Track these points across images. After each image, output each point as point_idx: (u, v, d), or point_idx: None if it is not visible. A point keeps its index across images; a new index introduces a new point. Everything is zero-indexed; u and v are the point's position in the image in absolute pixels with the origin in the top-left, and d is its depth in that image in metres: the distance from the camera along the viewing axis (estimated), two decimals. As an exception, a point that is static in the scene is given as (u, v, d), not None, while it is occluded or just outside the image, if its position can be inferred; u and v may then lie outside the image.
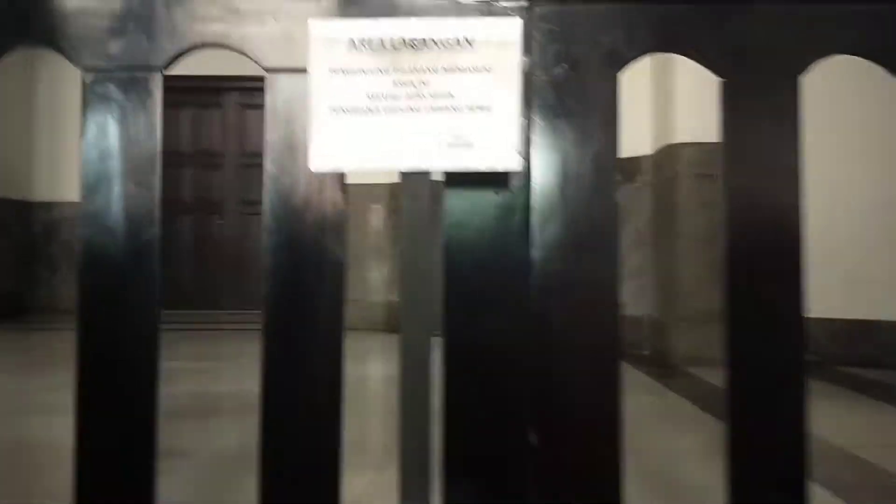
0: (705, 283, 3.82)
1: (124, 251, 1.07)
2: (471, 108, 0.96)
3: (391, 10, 1.05)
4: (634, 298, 4.41)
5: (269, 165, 1.07)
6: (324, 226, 1.07)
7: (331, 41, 0.96)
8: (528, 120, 1.04)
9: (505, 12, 1.06)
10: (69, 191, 6.27)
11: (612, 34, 1.08)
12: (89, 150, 1.08)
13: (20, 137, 7.00)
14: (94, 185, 1.08)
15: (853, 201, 3.78)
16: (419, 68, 0.96)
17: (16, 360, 4.36)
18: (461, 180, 1.03)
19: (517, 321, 1.06)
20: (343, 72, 0.96)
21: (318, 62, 0.96)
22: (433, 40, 0.95)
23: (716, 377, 3.64)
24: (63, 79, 6.71)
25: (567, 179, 1.07)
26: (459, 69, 0.96)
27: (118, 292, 1.08)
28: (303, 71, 1.04)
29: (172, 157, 7.73)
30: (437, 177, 1.06)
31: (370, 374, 3.89)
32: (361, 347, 4.84)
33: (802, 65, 1.08)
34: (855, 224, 3.78)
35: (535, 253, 1.06)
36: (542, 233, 1.06)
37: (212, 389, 3.26)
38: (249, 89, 6.95)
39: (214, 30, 1.08)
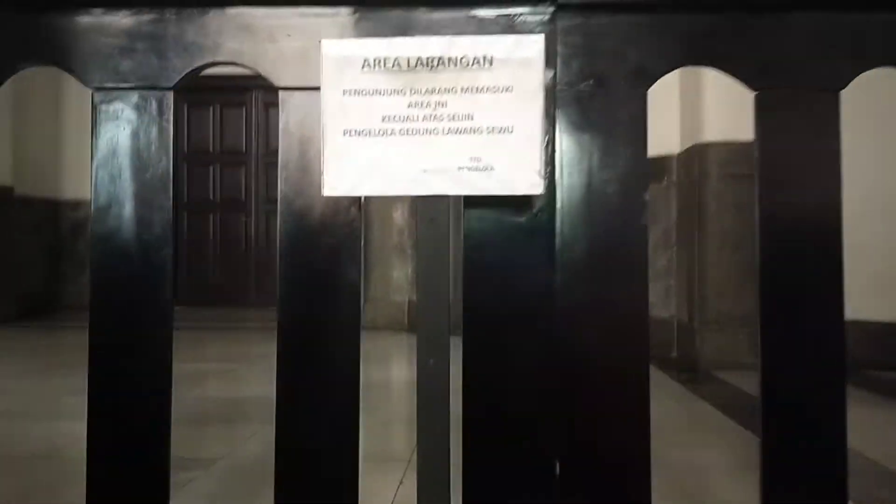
0: (734, 285, 3.75)
1: (135, 274, 1.04)
2: (491, 130, 0.91)
3: (407, 25, 1.01)
4: (661, 300, 4.34)
5: (282, 186, 1.04)
6: (339, 248, 1.03)
7: (344, 61, 0.92)
8: (552, 139, 1.00)
9: (527, 26, 1.01)
10: (96, 190, 6.29)
11: (640, 48, 1.04)
12: (100, 171, 1.05)
13: (49, 135, 7.06)
14: (105, 206, 1.05)
15: (884, 201, 3.68)
16: (436, 89, 0.91)
17: (46, 361, 4.39)
18: (481, 202, 0.99)
19: (540, 348, 1.02)
20: (357, 93, 0.92)
21: (331, 83, 0.92)
22: (451, 59, 0.91)
23: (744, 382, 3.58)
24: (90, 78, 6.71)
25: (593, 201, 1.02)
26: (479, 89, 0.91)
27: (129, 317, 1.05)
28: (317, 89, 1.00)
29: (199, 156, 7.78)
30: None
31: (393, 377, 3.86)
32: (383, 348, 4.82)
33: (842, 78, 1.02)
34: (886, 224, 3.68)
35: (560, 277, 1.02)
36: (567, 256, 1.02)
37: (237, 393, 3.25)
38: (274, 88, 6.91)
39: (227, 47, 1.05)
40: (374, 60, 0.92)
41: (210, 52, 1.05)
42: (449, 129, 0.91)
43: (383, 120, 0.92)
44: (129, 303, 1.05)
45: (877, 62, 1.03)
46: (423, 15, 1.02)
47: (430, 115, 0.91)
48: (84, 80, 1.05)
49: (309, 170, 1.02)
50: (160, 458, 1.05)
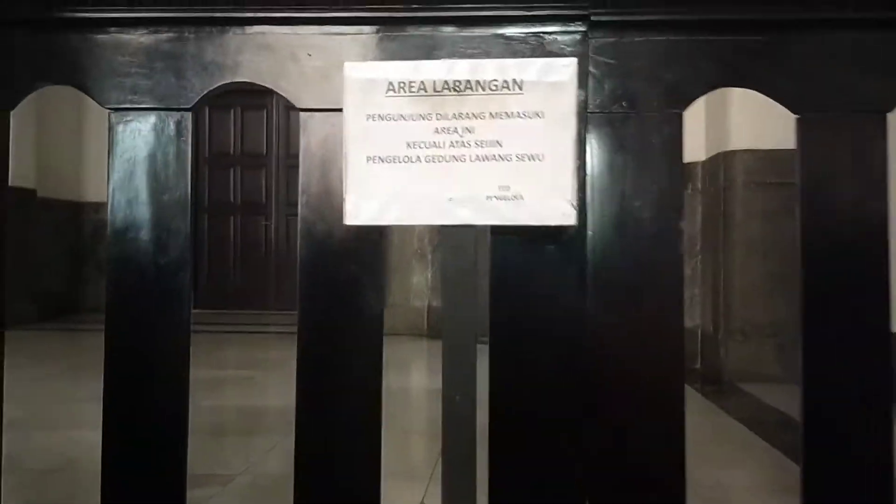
0: (760, 294, 3.68)
1: (152, 299, 1.01)
2: (521, 157, 0.87)
3: (433, 45, 0.97)
4: (685, 309, 4.27)
5: (303, 210, 1.00)
6: (360, 275, 0.99)
7: (368, 84, 0.89)
8: (582, 163, 0.96)
9: (557, 46, 0.97)
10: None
11: (675, 69, 0.99)
12: (116, 194, 1.02)
13: (72, 138, 7.10)
14: (122, 230, 1.02)
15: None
16: (464, 114, 0.87)
17: (64, 364, 4.40)
18: (508, 229, 0.95)
19: (570, 385, 0.98)
20: (381, 117, 0.88)
21: (355, 107, 0.89)
22: (479, 83, 0.87)
23: (768, 395, 3.51)
24: (112, 81, 6.73)
25: (626, 229, 0.98)
26: (508, 114, 0.87)
27: (144, 345, 1.02)
28: (339, 111, 0.97)
29: (220, 159, 7.79)
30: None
31: (412, 385, 3.83)
32: (403, 354, 4.78)
33: (890, 99, 0.97)
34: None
35: (591, 309, 0.97)
36: (599, 287, 0.98)
37: (255, 402, 3.22)
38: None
39: (247, 67, 1.01)
40: (399, 84, 0.88)
41: (229, 72, 1.02)
42: (476, 156, 0.87)
43: (408, 146, 0.88)
44: (145, 328, 1.02)
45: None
46: (449, 34, 0.98)
47: (457, 142, 0.87)
48: (100, 101, 1.02)
49: (330, 193, 0.99)
50: (176, 477, 1.02)
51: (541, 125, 0.87)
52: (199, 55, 1.01)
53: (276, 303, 7.62)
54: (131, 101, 1.02)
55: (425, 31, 0.99)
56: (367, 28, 0.99)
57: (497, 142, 0.87)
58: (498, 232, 0.95)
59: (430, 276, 6.38)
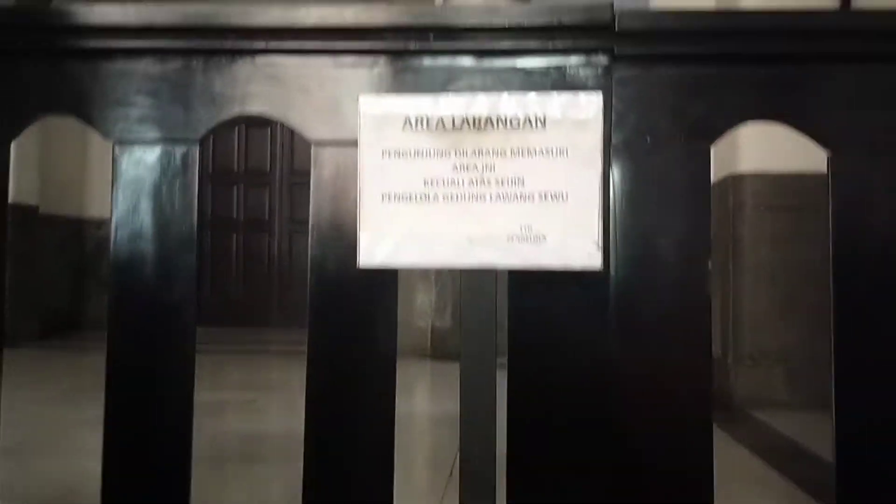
0: (770, 319, 3.63)
1: (155, 339, 0.97)
2: (544, 197, 0.83)
3: (450, 77, 0.94)
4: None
5: (313, 248, 0.96)
6: (373, 316, 0.95)
7: (384, 119, 0.85)
8: (606, 200, 0.92)
9: (580, 79, 0.93)
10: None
11: (701, 103, 0.96)
12: (119, 230, 0.98)
13: (75, 154, 7.07)
14: (124, 267, 0.98)
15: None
16: (484, 150, 0.84)
17: (65, 385, 4.35)
18: (529, 272, 0.90)
19: (593, 433, 0.93)
20: (397, 153, 0.84)
21: (370, 142, 0.85)
22: (500, 118, 0.84)
23: (780, 422, 3.45)
24: (116, 98, 6.72)
25: (650, 270, 0.94)
26: (530, 151, 0.83)
27: (149, 389, 0.98)
28: (352, 144, 0.93)
29: (223, 176, 7.76)
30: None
31: (417, 410, 3.78)
32: (407, 378, 4.73)
33: (924, 137, 0.93)
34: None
35: (615, 352, 0.93)
36: (622, 330, 0.93)
37: (258, 428, 3.16)
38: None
39: (256, 98, 0.98)
40: (417, 119, 0.84)
41: (238, 103, 0.98)
42: (497, 194, 0.83)
43: (426, 183, 0.84)
44: (148, 372, 0.97)
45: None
46: (466, 67, 0.94)
47: (477, 179, 0.83)
48: (104, 132, 0.98)
49: (342, 230, 0.95)
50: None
51: (565, 162, 0.83)
52: (208, 86, 0.98)
53: (279, 319, 7.58)
54: (137, 133, 0.98)
55: (442, 63, 0.95)
56: (381, 59, 0.96)
57: (519, 179, 0.83)
58: (516, 272, 0.91)
59: (434, 296, 6.33)
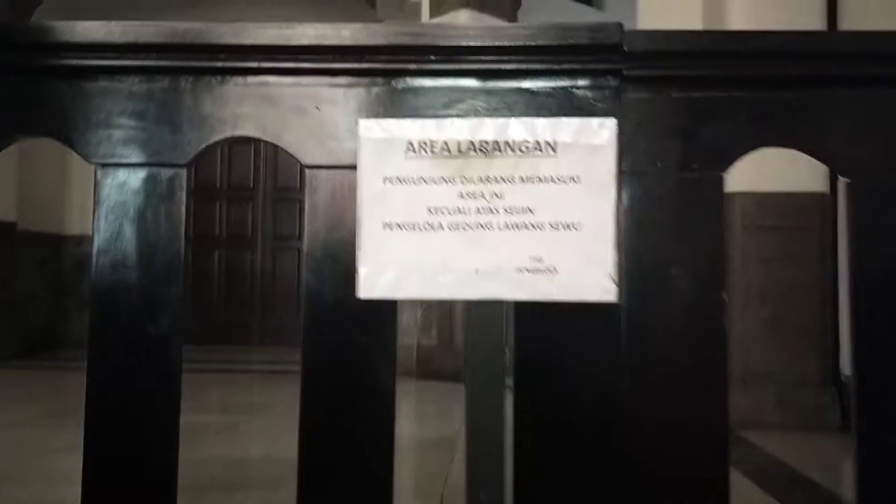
0: (758, 341, 3.60)
1: (139, 377, 0.91)
2: (555, 226, 0.79)
3: (452, 101, 0.89)
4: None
5: (308, 277, 0.91)
6: (371, 348, 0.90)
7: (385, 144, 0.80)
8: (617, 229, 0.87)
9: (588, 102, 0.89)
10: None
11: (714, 127, 0.92)
12: (101, 257, 0.92)
13: (55, 170, 6.97)
14: (106, 296, 0.92)
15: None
16: (491, 177, 0.79)
17: (46, 407, 4.24)
18: (534, 305, 0.86)
19: (605, 473, 0.88)
20: (399, 180, 0.80)
21: (370, 168, 0.80)
22: (508, 144, 0.79)
23: (772, 445, 3.42)
24: (97, 114, 6.63)
25: (662, 300, 0.89)
26: (541, 179, 0.79)
27: (132, 424, 0.92)
28: (349, 168, 0.88)
29: (205, 191, 7.69)
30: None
31: (404, 432, 3.71)
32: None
33: (944, 163, 0.90)
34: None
35: (627, 387, 0.88)
36: (634, 363, 0.89)
37: (239, 453, 3.09)
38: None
39: (248, 120, 0.93)
40: (420, 144, 0.80)
41: (229, 126, 0.93)
42: (506, 223, 0.79)
43: (430, 212, 0.79)
44: (129, 410, 0.91)
45: None
46: (470, 86, 0.90)
47: (484, 208, 0.79)
48: (86, 155, 0.93)
49: (338, 259, 0.90)
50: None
51: (577, 191, 0.78)
52: (197, 107, 0.93)
53: (261, 338, 7.50)
54: (121, 156, 0.93)
55: (444, 84, 0.90)
56: (379, 80, 0.91)
57: (528, 208, 0.79)
58: (522, 303, 0.86)
59: (419, 313, 6.27)
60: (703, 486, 0.89)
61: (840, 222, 3.50)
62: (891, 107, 0.90)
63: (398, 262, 0.80)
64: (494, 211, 0.79)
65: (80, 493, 0.90)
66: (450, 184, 0.79)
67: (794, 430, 3.34)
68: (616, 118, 0.88)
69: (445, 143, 0.80)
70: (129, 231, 0.92)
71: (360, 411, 0.90)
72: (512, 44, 0.90)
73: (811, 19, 3.53)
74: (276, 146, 0.95)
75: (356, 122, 0.89)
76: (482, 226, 0.79)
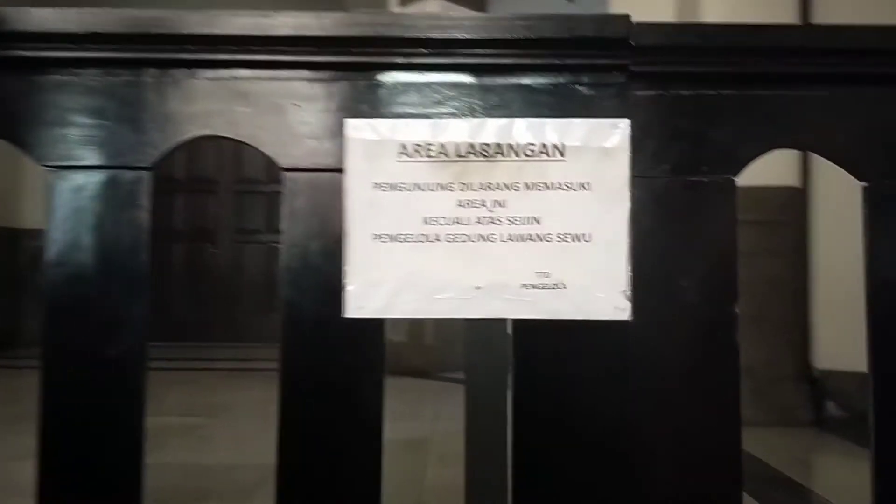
0: (746, 337, 3.58)
1: (98, 409, 0.82)
2: (563, 237, 0.72)
3: (444, 98, 0.81)
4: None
5: (287, 291, 0.83)
6: (357, 371, 0.82)
7: (375, 146, 0.72)
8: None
9: (591, 100, 0.82)
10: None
11: (726, 128, 0.85)
12: (54, 270, 0.83)
13: (7, 159, 6.74)
14: (59, 315, 0.83)
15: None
16: (493, 184, 0.72)
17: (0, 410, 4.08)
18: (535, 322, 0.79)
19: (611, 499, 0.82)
20: (391, 187, 0.72)
21: (359, 174, 0.72)
22: (511, 146, 0.72)
23: (748, 443, 3.39)
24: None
25: (671, 314, 0.83)
26: (548, 185, 0.72)
27: (92, 453, 0.83)
28: (332, 171, 0.80)
29: (164, 183, 7.50)
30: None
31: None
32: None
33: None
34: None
35: (633, 408, 0.82)
36: (640, 382, 0.82)
37: (203, 459, 2.98)
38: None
39: (219, 118, 0.84)
40: (414, 146, 0.72)
41: (197, 124, 0.85)
42: (509, 234, 0.72)
43: (425, 222, 0.72)
44: (88, 441, 0.83)
45: None
46: (464, 82, 0.82)
47: (486, 217, 0.71)
48: (38, 157, 0.84)
49: (320, 272, 0.81)
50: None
51: (587, 199, 0.71)
52: (162, 103, 0.84)
53: (224, 335, 7.34)
54: (77, 158, 0.83)
55: (436, 79, 0.83)
56: (366, 75, 0.83)
57: (534, 218, 0.71)
58: (522, 323, 0.79)
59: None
60: (715, 512, 0.83)
61: (813, 217, 3.50)
62: (910, 107, 0.85)
63: (390, 278, 0.72)
64: (497, 221, 0.71)
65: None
66: (447, 191, 0.72)
67: (768, 425, 3.32)
68: (623, 116, 0.81)
69: (442, 146, 0.72)
70: (86, 242, 0.83)
71: (344, 445, 0.82)
72: (510, 36, 0.83)
73: (785, 11, 3.50)
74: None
75: (339, 121, 0.81)
76: (483, 237, 0.71)
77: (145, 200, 0.84)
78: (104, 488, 0.83)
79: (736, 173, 0.85)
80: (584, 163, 0.72)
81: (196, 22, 0.82)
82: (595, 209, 0.71)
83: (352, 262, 0.73)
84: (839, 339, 3.50)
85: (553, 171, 0.72)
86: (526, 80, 0.83)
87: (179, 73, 0.84)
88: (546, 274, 0.71)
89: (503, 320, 0.79)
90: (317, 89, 0.84)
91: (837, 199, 3.38)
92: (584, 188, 0.72)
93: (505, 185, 0.72)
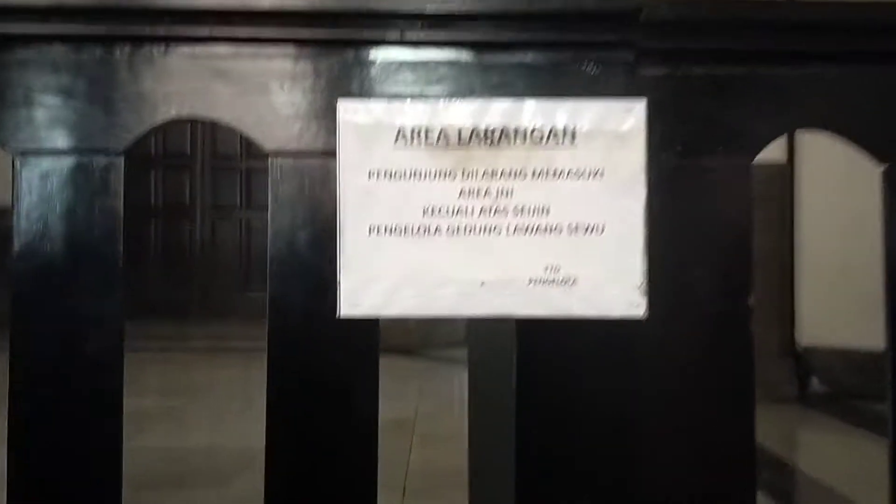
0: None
1: (71, 417, 0.77)
2: (574, 229, 0.67)
3: (440, 77, 0.76)
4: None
5: (273, 284, 0.77)
6: (349, 373, 0.77)
7: (371, 131, 0.67)
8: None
9: (597, 79, 0.76)
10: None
11: (740, 109, 0.80)
12: (20, 263, 0.77)
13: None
14: (29, 310, 0.77)
15: (874, 223, 3.54)
16: (499, 171, 0.67)
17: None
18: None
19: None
20: (388, 175, 0.67)
21: (353, 161, 0.67)
22: (518, 131, 0.66)
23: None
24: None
25: (683, 305, 0.79)
26: (557, 173, 0.67)
27: (66, 458, 0.78)
28: (321, 155, 0.74)
29: (138, 159, 7.36)
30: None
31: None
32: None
33: None
34: (874, 249, 3.54)
35: (642, 403, 0.78)
36: (651, 376, 0.78)
37: (183, 442, 2.92)
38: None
39: (198, 98, 0.78)
40: (413, 131, 0.66)
41: (174, 105, 0.79)
42: (516, 226, 0.67)
43: (425, 213, 0.67)
44: (63, 445, 0.77)
45: None
46: (463, 60, 0.77)
47: (491, 208, 0.66)
48: (1, 141, 0.77)
49: (309, 264, 0.76)
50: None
51: (600, 187, 0.66)
52: (135, 83, 0.78)
53: (201, 313, 7.25)
54: (44, 142, 0.77)
55: (432, 56, 0.77)
56: (356, 51, 0.77)
57: (543, 208, 0.66)
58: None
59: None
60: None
61: (798, 193, 3.48)
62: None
63: (387, 274, 0.66)
64: (502, 211, 0.66)
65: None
66: (449, 179, 0.66)
67: (752, 402, 3.32)
68: (633, 98, 0.76)
69: (443, 130, 0.66)
70: (55, 232, 0.77)
71: (336, 453, 0.77)
72: (511, 10, 0.77)
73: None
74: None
75: (328, 102, 0.75)
76: (487, 229, 0.66)
77: (118, 188, 0.78)
78: (79, 476, 0.78)
79: (751, 157, 0.81)
80: (596, 148, 0.66)
81: (172, -7, 0.76)
82: (608, 198, 0.66)
83: (346, 257, 0.67)
84: (824, 314, 3.50)
85: (563, 157, 0.66)
86: (527, 58, 0.77)
87: (154, 49, 0.78)
88: (556, 268, 0.66)
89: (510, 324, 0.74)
90: (303, 67, 0.78)
91: (823, 175, 3.36)
92: (597, 176, 0.66)
93: (511, 172, 0.66)
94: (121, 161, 0.78)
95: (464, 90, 0.76)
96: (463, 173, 0.66)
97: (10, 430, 0.76)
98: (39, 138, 0.77)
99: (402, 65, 0.77)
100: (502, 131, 0.66)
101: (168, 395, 3.77)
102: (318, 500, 0.76)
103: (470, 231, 0.66)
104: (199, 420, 3.35)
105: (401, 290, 0.67)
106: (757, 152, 0.81)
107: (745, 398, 0.80)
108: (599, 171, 0.67)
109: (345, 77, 0.77)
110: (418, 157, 0.66)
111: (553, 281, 0.66)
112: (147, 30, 0.77)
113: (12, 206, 0.78)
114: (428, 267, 0.66)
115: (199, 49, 0.78)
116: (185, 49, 0.78)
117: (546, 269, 0.66)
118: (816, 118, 0.83)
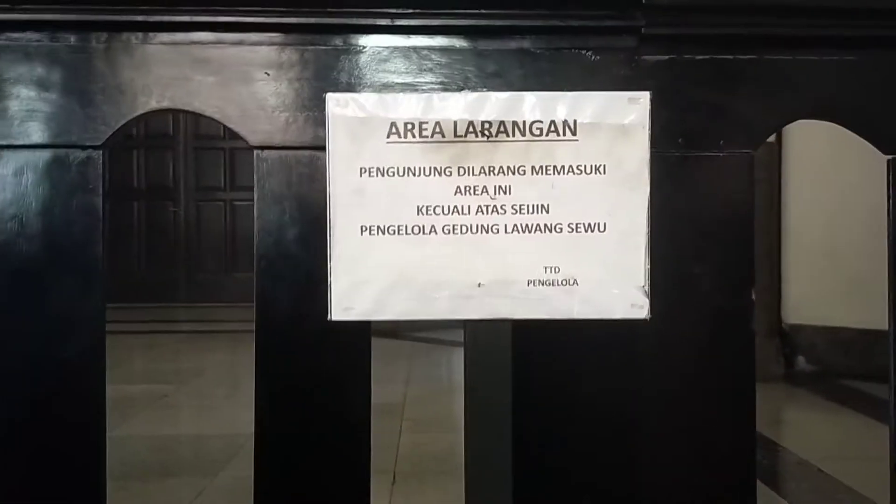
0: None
1: (50, 422, 0.73)
2: (575, 228, 0.64)
3: (433, 65, 0.72)
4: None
5: (260, 285, 0.74)
6: (341, 373, 0.74)
7: (362, 125, 0.63)
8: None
9: (598, 66, 0.73)
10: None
11: (744, 97, 0.77)
12: (-4, 263, 0.73)
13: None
14: (3, 314, 0.74)
15: (859, 203, 3.54)
16: (496, 168, 0.63)
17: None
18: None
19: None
20: (380, 172, 0.63)
21: (343, 157, 0.63)
22: (516, 125, 0.63)
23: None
24: None
25: (684, 300, 0.76)
26: (557, 169, 0.64)
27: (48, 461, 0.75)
28: (309, 149, 0.71)
29: (121, 142, 7.27)
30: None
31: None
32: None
33: None
34: (860, 228, 3.55)
35: (642, 401, 0.76)
36: (651, 373, 0.76)
37: (171, 430, 2.89)
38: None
39: (179, 89, 0.75)
40: (407, 125, 0.63)
41: (155, 96, 0.75)
42: (514, 225, 0.64)
43: (419, 212, 0.63)
44: (45, 451, 0.74)
45: None
46: (456, 47, 0.73)
47: (487, 206, 0.63)
48: (-28, 135, 0.73)
49: (297, 263, 0.73)
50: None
51: (602, 183, 0.64)
52: (113, 73, 0.74)
53: (187, 295, 7.21)
54: (17, 136, 0.74)
55: (423, 43, 0.74)
56: (342, 38, 0.74)
57: (542, 206, 0.63)
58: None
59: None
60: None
61: (786, 173, 3.47)
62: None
63: (380, 276, 0.64)
64: (500, 210, 0.63)
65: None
66: (444, 176, 0.63)
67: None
68: (633, 86, 0.73)
69: (438, 125, 0.63)
70: (32, 230, 0.74)
71: (327, 458, 0.75)
72: (509, -9, 0.74)
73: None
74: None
75: (316, 92, 0.72)
76: (485, 228, 0.63)
77: (97, 183, 0.74)
78: (62, 478, 0.75)
79: (754, 146, 0.78)
80: (598, 142, 0.63)
81: (150, -21, 0.72)
82: (610, 195, 0.64)
83: (337, 258, 0.64)
84: (809, 293, 3.51)
85: (563, 152, 0.63)
86: (525, 45, 0.74)
87: (132, 37, 0.75)
88: (556, 269, 0.63)
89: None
90: (289, 55, 0.74)
91: (811, 156, 3.35)
92: (598, 171, 0.64)
93: (509, 168, 0.63)
94: (99, 155, 0.74)
95: (458, 79, 0.73)
96: (459, 169, 0.63)
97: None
98: (12, 132, 0.73)
99: (393, 52, 0.74)
100: (500, 125, 0.63)
101: (154, 380, 3.74)
102: (308, 496, 0.74)
103: (466, 230, 0.63)
104: (187, 406, 3.32)
105: (394, 292, 0.64)
106: (760, 142, 0.79)
107: (745, 398, 0.79)
108: (601, 166, 0.64)
109: (333, 66, 0.73)
110: (412, 153, 0.63)
111: (553, 282, 0.63)
112: (124, 16, 0.73)
113: (-16, 202, 0.74)
114: (422, 268, 0.63)
115: (180, 36, 0.74)
116: (165, 36, 0.74)
117: (546, 269, 0.63)
118: (820, 108, 0.80)
